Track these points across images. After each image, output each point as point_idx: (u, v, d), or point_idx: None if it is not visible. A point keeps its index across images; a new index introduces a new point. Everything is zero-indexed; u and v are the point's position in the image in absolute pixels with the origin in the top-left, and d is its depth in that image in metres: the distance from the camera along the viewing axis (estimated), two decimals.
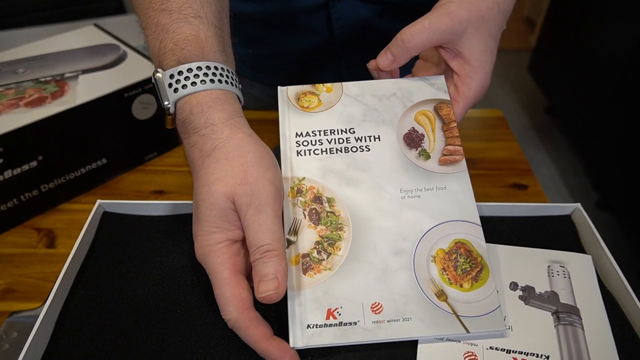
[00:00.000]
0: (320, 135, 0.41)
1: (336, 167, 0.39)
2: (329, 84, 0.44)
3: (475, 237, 0.37)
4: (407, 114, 0.42)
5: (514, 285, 0.38)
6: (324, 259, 0.36)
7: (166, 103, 0.36)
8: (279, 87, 0.44)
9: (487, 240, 0.41)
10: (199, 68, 0.35)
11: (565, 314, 0.36)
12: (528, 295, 0.37)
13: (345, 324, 0.33)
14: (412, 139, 0.41)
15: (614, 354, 0.33)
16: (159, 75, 0.36)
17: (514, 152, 0.65)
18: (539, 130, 2.07)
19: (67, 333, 0.35)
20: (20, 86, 0.52)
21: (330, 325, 0.33)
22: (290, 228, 0.37)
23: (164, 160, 0.61)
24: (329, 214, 0.37)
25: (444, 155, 0.40)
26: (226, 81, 0.37)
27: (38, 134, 0.48)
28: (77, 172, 0.54)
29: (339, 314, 0.34)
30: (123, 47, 0.59)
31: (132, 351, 0.33)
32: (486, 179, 0.61)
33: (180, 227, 0.42)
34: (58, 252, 0.50)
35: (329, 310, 0.34)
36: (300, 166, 0.39)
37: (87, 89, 0.52)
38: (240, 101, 0.39)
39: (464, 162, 0.40)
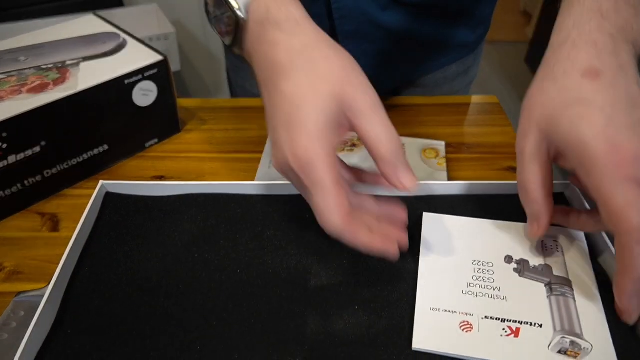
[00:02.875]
0: None
1: None
2: None
3: None
4: None
5: (508, 259, 0.38)
6: None
7: (237, 8, 0.33)
8: None
9: (484, 217, 0.42)
10: None
11: (558, 285, 0.37)
12: (522, 268, 0.38)
13: None
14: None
15: (604, 322, 0.34)
16: None
17: (509, 137, 0.66)
18: None
19: (72, 309, 0.36)
20: (22, 73, 0.53)
21: None
22: None
23: (164, 147, 0.62)
24: None
25: None
26: None
27: (41, 119, 0.49)
28: (79, 158, 0.55)
29: None
30: (123, 35, 0.60)
31: (136, 323, 0.34)
32: (482, 162, 0.61)
33: (182, 206, 0.43)
34: (62, 235, 0.50)
35: None
36: None
37: (88, 75, 0.53)
38: None
39: None
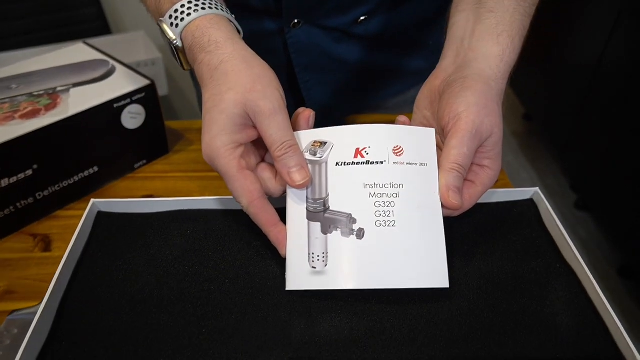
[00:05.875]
0: None
1: None
2: None
3: None
4: None
5: None
6: None
7: (174, 39, 0.41)
8: None
9: (456, 225, 0.44)
10: (190, 2, 0.41)
11: None
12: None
13: None
14: None
15: None
16: (161, 20, 0.42)
17: None
18: (517, 137, 2.14)
19: (66, 321, 0.37)
20: (14, 100, 0.55)
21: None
22: None
23: (153, 167, 0.64)
24: None
25: None
26: (216, 7, 0.42)
27: (33, 143, 0.51)
28: (70, 180, 0.56)
29: None
30: (111, 62, 0.63)
31: (129, 333, 0.36)
32: None
33: (171, 222, 0.45)
34: (54, 255, 0.52)
35: None
36: None
37: (78, 101, 0.55)
38: (237, 28, 0.43)
39: None
